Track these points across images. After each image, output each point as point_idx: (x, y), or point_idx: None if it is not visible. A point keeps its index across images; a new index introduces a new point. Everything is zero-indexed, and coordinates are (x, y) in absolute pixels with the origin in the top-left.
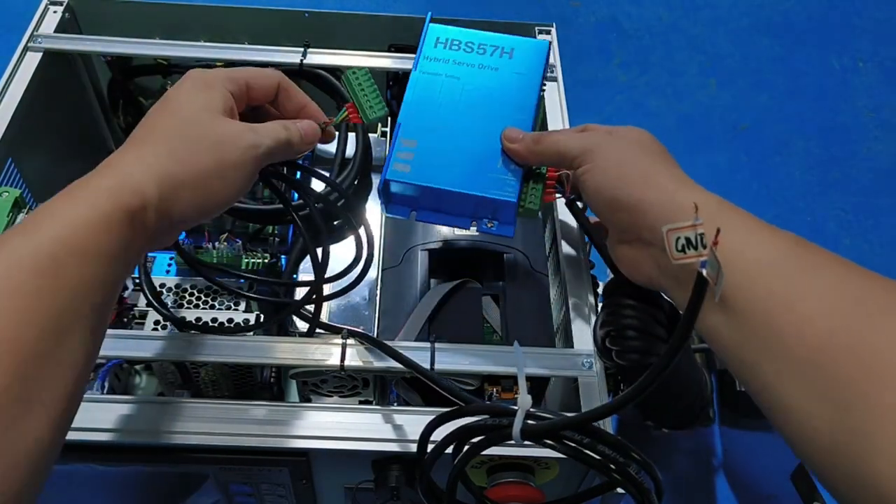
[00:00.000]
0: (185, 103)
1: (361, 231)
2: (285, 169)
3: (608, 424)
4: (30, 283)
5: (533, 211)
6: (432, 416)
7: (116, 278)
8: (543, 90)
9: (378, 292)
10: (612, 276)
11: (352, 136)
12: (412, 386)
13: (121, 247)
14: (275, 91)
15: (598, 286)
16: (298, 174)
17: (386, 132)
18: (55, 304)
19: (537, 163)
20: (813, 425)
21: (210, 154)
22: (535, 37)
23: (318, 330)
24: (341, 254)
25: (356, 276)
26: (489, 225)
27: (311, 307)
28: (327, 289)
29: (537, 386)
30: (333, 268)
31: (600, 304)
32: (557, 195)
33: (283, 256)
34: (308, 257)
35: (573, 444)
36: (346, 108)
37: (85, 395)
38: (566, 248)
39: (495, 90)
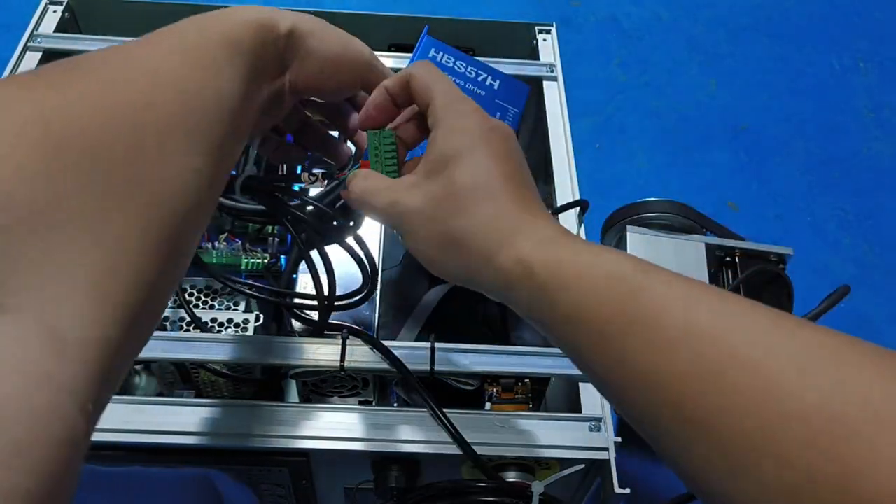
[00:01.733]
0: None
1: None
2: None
3: (608, 424)
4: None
5: None
6: (432, 417)
7: (255, 88)
8: (519, 129)
9: (378, 292)
10: None
11: None
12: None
13: (260, 48)
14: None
15: None
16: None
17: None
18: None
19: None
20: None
21: (338, 32)
22: (535, 36)
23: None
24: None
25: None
26: None
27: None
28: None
29: (538, 386)
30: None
31: None
32: None
33: (282, 257)
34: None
35: None
36: (360, 165)
37: None
38: None
39: (482, 104)
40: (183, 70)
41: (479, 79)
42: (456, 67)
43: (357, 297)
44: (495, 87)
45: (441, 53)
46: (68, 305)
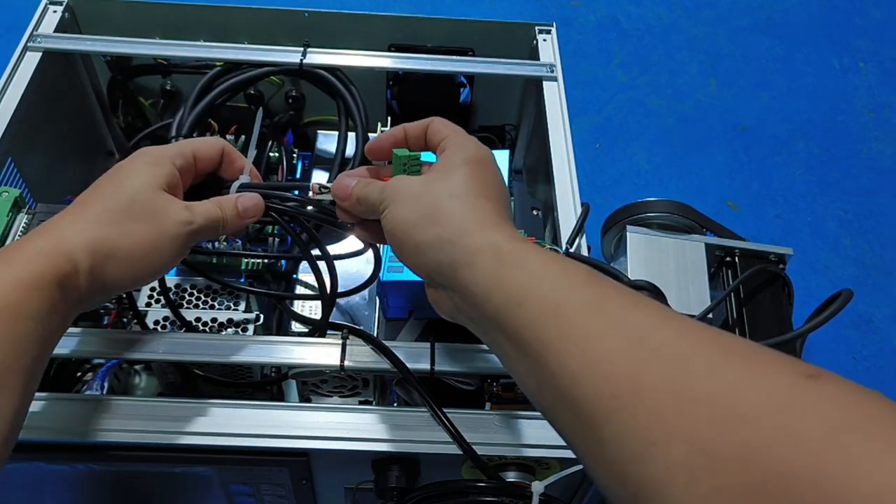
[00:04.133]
0: (131, 176)
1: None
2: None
3: None
4: None
5: None
6: (432, 417)
7: (48, 336)
8: (511, 189)
9: (378, 292)
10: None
11: (352, 136)
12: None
13: (51, 307)
14: (220, 158)
15: None
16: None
17: (385, 131)
18: None
19: (365, 216)
20: (597, 477)
21: (145, 225)
22: (535, 36)
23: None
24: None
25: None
26: None
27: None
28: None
29: None
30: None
31: None
32: None
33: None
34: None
35: None
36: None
37: (85, 395)
38: (566, 247)
39: None
40: None
41: None
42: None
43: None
44: None
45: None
46: None
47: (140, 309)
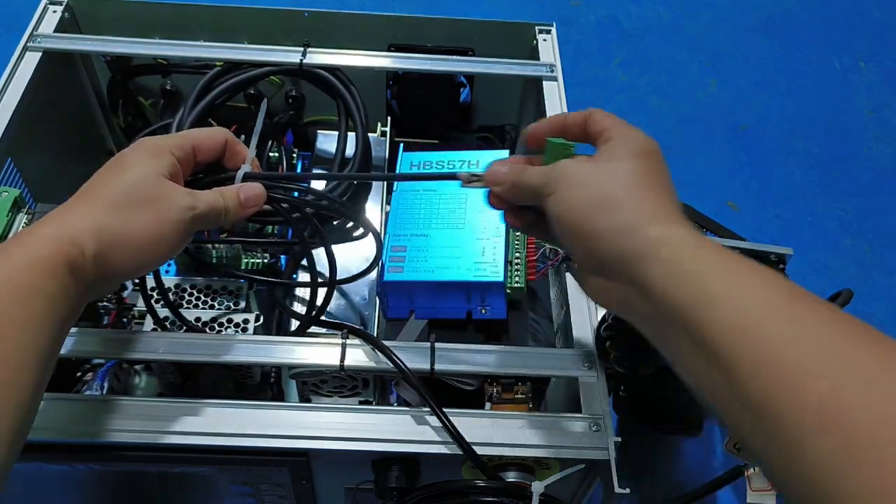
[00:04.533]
0: (133, 165)
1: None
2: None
3: (609, 425)
4: None
5: (520, 290)
6: (432, 417)
7: (62, 320)
8: None
9: (378, 292)
10: None
11: (351, 136)
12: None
13: (64, 290)
14: (222, 149)
15: None
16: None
17: (385, 131)
18: (8, 338)
19: (521, 202)
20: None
21: (148, 213)
22: (535, 36)
23: (318, 328)
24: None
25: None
26: (483, 311)
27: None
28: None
29: (538, 386)
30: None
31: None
32: (539, 272)
33: (283, 256)
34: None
35: None
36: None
37: (85, 395)
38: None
39: (468, 194)
40: None
41: (460, 164)
42: (436, 165)
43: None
44: (477, 167)
45: (419, 163)
46: None
47: (139, 309)
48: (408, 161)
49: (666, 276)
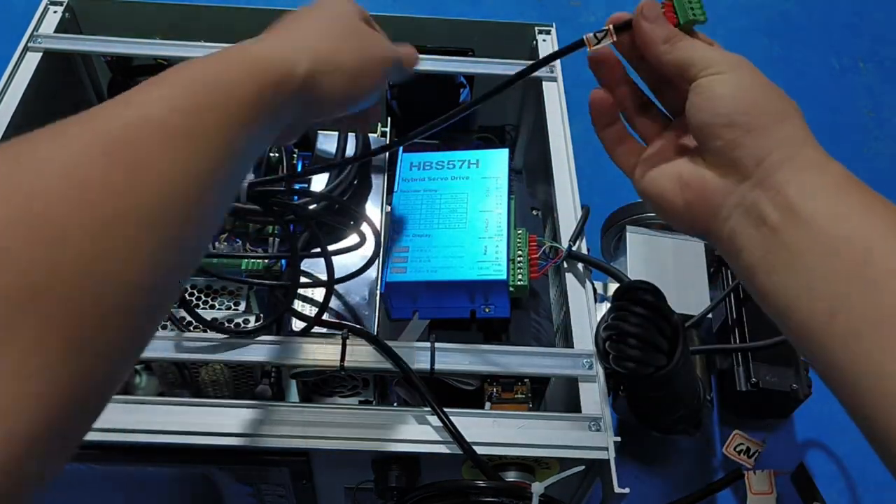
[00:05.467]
0: (334, 4)
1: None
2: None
3: (609, 425)
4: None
5: (524, 288)
6: (432, 417)
7: (260, 136)
8: (512, 188)
9: (378, 291)
10: (617, 280)
11: (351, 136)
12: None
13: (266, 101)
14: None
15: (595, 289)
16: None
17: (386, 132)
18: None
19: (660, 60)
20: None
21: (355, 43)
22: (535, 37)
23: (318, 328)
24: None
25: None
26: (486, 310)
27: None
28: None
29: (538, 386)
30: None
31: (605, 305)
32: (541, 270)
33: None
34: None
35: None
36: (664, 5)
37: None
38: (569, 244)
39: (469, 193)
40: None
41: (460, 164)
42: (436, 167)
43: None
44: (477, 166)
45: (420, 163)
46: None
47: None
48: (408, 161)
49: (816, 191)
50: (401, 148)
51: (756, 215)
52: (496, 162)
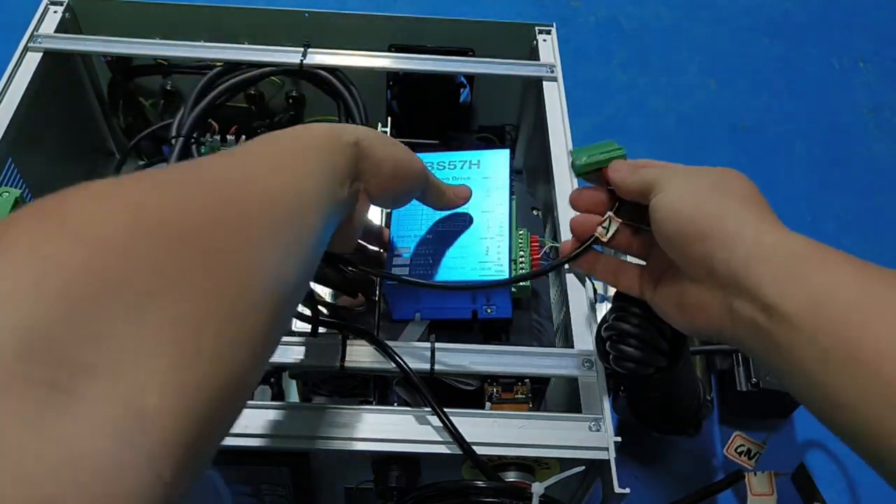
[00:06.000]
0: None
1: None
2: None
3: (609, 425)
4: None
5: (525, 288)
6: (432, 417)
7: (332, 183)
8: (513, 188)
9: (378, 292)
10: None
11: None
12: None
13: (336, 150)
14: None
15: (595, 289)
16: None
17: (385, 132)
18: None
19: (631, 194)
20: None
21: (399, 148)
22: (535, 37)
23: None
24: None
25: None
26: (488, 310)
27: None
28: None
29: (538, 386)
30: None
31: (605, 304)
32: (542, 265)
33: None
34: None
35: None
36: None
37: None
38: None
39: (472, 183)
40: (265, 172)
41: (461, 165)
42: (437, 168)
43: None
44: (479, 166)
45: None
46: (152, 376)
47: None
48: None
49: (781, 279)
50: None
51: (748, 321)
52: (497, 162)
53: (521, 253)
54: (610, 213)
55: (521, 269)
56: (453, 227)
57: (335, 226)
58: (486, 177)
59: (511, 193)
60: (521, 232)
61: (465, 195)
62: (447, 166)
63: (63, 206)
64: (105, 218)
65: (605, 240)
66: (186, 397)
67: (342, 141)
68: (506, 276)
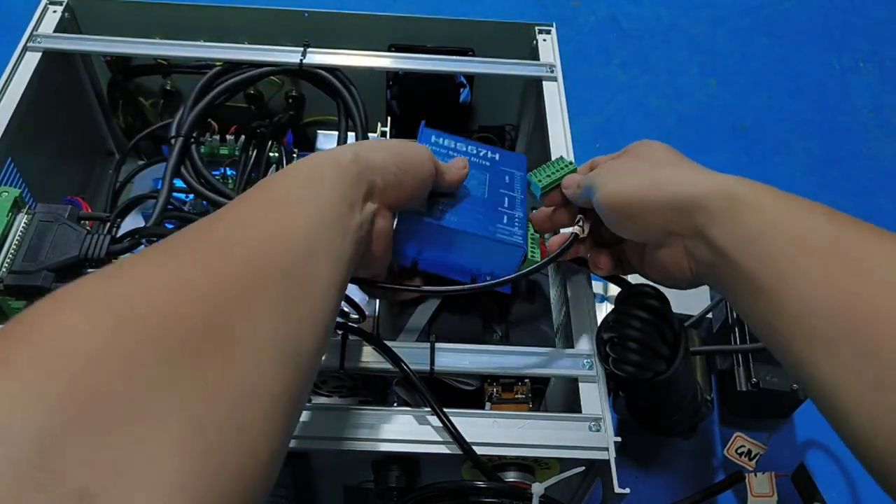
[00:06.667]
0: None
1: None
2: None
3: (609, 425)
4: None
5: (533, 262)
6: (432, 417)
7: (342, 204)
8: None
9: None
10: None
11: (351, 136)
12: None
13: (334, 170)
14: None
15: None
16: None
17: (385, 131)
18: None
19: (583, 203)
20: (848, 401)
21: (392, 140)
22: (535, 36)
23: None
24: None
25: None
26: (487, 277)
27: None
28: None
29: (538, 386)
30: None
31: (605, 304)
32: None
33: None
34: None
35: None
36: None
37: None
38: None
39: (489, 175)
40: (263, 236)
41: (481, 154)
42: (457, 147)
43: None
44: (497, 159)
45: (441, 138)
46: (154, 494)
47: None
48: (430, 134)
49: (720, 221)
50: (422, 125)
51: (707, 262)
52: (515, 162)
53: (532, 234)
54: (580, 216)
55: (532, 247)
56: (472, 191)
57: (357, 257)
58: (504, 168)
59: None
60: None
61: (462, 164)
62: (467, 148)
63: (36, 325)
64: (85, 329)
65: (584, 234)
66: None
67: (341, 163)
68: (522, 242)
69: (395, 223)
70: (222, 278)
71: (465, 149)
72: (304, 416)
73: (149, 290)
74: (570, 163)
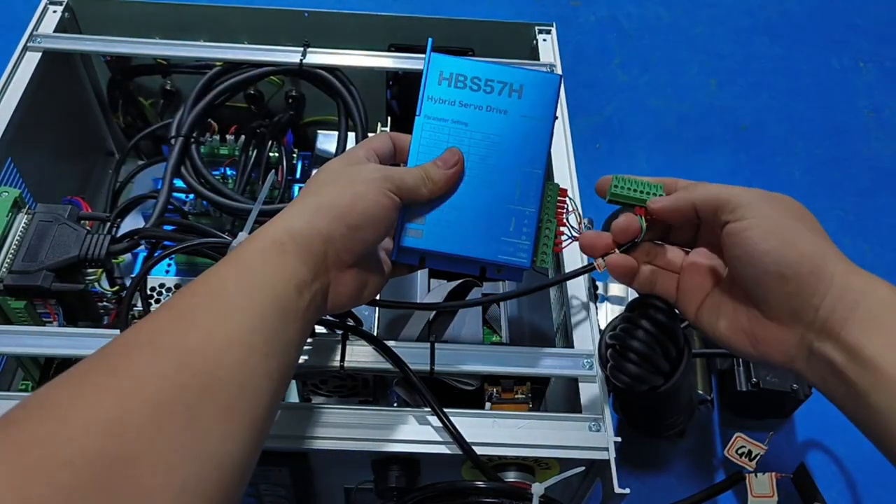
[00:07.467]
0: (332, 162)
1: None
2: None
3: (609, 425)
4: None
5: (545, 267)
6: (432, 417)
7: (292, 276)
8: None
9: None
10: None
11: (351, 135)
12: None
13: (277, 256)
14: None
15: (597, 287)
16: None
17: (385, 131)
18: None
19: (679, 211)
20: None
21: (343, 178)
22: (535, 36)
23: (318, 328)
24: None
25: None
26: (498, 272)
27: None
28: None
29: (538, 386)
30: None
31: (604, 304)
32: (565, 243)
33: None
34: None
35: None
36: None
37: None
38: None
39: (504, 139)
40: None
41: (500, 89)
42: (471, 87)
43: None
44: (519, 97)
45: (452, 75)
46: None
47: (138, 309)
48: (437, 70)
49: (870, 324)
50: (430, 47)
51: (826, 361)
52: (542, 94)
53: (548, 228)
54: (599, 261)
55: (545, 246)
56: (479, 180)
57: (307, 332)
58: (525, 115)
59: (549, 143)
60: (550, 187)
61: (453, 162)
62: (483, 87)
63: None
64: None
65: (640, 238)
66: None
67: (277, 245)
68: (527, 262)
69: (398, 251)
70: (133, 406)
71: (479, 84)
72: (305, 416)
73: (58, 430)
74: (660, 186)
